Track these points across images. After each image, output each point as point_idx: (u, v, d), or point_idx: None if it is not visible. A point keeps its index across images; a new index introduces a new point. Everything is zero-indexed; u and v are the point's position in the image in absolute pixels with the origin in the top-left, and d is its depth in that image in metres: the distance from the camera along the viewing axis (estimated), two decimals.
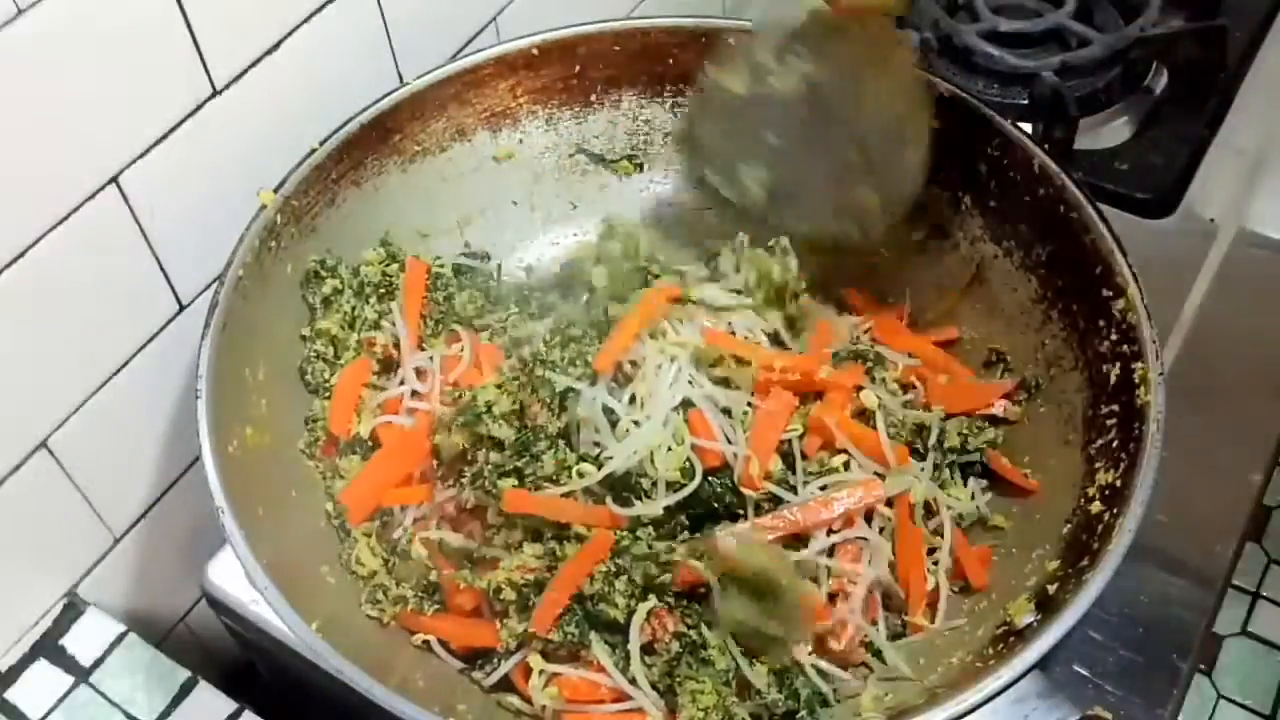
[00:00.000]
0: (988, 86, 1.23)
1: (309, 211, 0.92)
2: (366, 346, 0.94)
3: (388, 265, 0.97)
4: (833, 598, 0.81)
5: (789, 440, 0.84)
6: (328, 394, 0.92)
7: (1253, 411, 1.01)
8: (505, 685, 0.81)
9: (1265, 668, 1.87)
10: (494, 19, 1.09)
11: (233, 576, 0.87)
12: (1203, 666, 1.84)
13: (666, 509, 0.80)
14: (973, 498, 0.89)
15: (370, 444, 0.90)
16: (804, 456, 0.85)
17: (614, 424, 0.82)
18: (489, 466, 0.82)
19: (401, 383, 0.93)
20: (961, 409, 0.92)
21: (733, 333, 0.89)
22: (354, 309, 0.94)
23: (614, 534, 0.80)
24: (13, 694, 0.87)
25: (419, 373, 0.93)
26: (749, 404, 0.84)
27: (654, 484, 0.81)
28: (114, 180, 0.81)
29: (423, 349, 0.95)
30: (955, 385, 0.94)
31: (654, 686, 0.77)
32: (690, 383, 0.84)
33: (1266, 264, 1.13)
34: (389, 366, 0.94)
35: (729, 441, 0.82)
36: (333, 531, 0.87)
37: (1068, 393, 0.88)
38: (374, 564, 0.85)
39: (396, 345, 0.94)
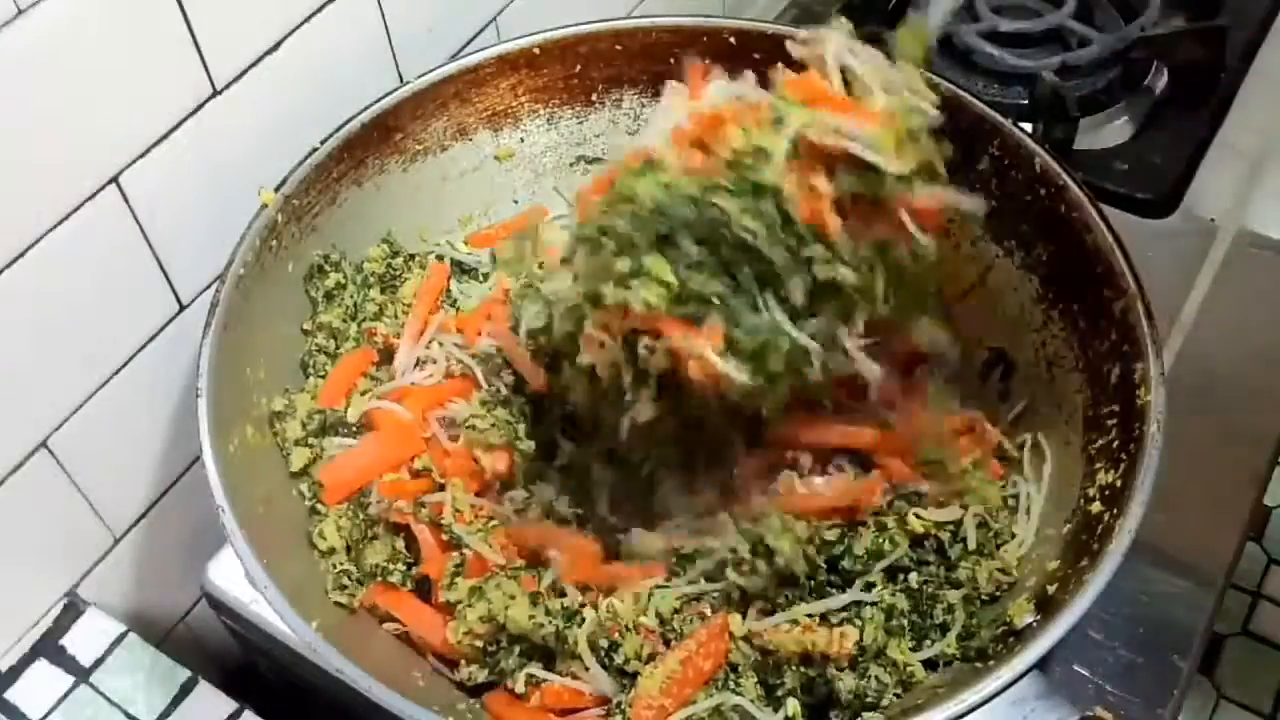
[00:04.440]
0: (988, 86, 1.23)
1: (310, 210, 0.93)
2: (367, 336, 0.94)
3: (391, 259, 0.98)
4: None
5: None
6: None
7: (1253, 411, 1.01)
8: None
9: (1265, 668, 1.87)
10: (494, 19, 1.09)
11: (233, 576, 0.87)
12: (1203, 666, 1.84)
13: None
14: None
15: (356, 428, 0.90)
16: None
17: None
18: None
19: (402, 374, 0.93)
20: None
21: None
22: (356, 303, 0.95)
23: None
24: (13, 694, 0.87)
25: (419, 364, 0.93)
26: None
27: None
28: (114, 180, 0.81)
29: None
30: None
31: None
32: None
33: (1266, 264, 1.13)
34: (389, 358, 0.95)
35: None
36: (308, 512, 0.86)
37: (1068, 393, 0.88)
38: (335, 541, 0.84)
39: (398, 335, 0.94)
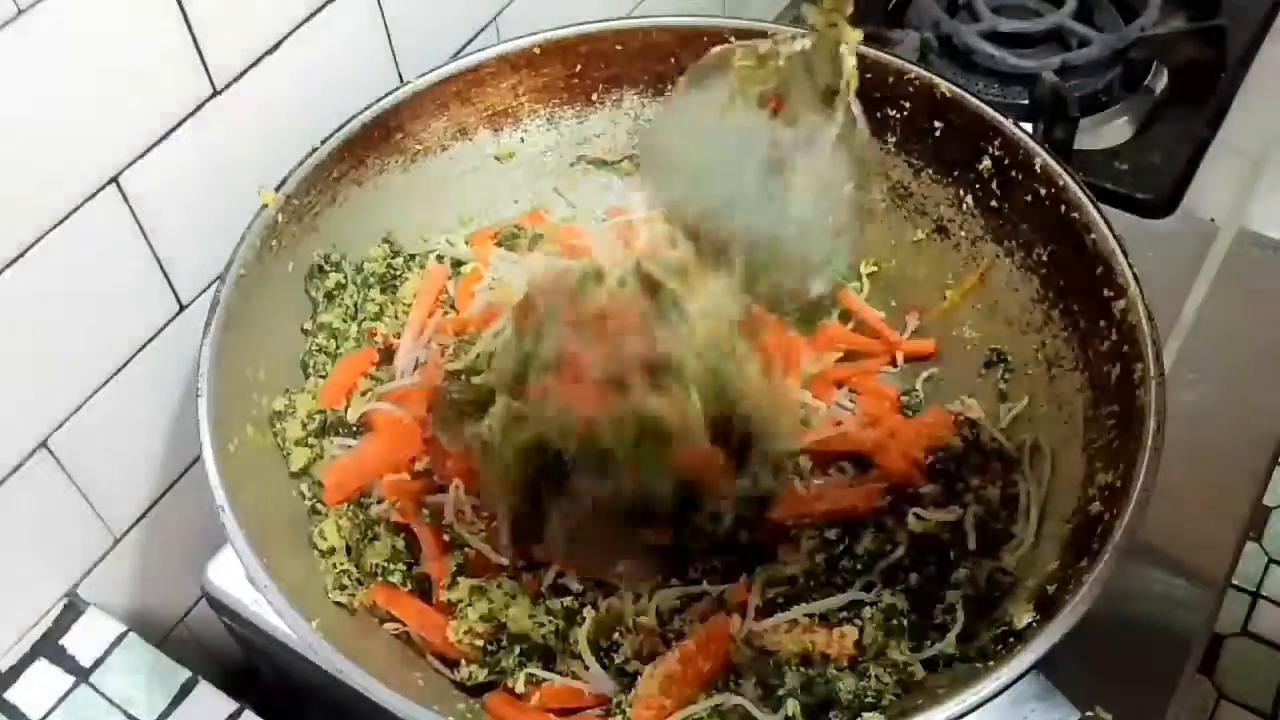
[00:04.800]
0: (988, 86, 1.23)
1: (310, 210, 0.92)
2: (368, 336, 0.94)
3: (392, 259, 0.98)
4: None
5: None
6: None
7: (1253, 412, 1.01)
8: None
9: (1265, 668, 1.87)
10: (494, 19, 1.09)
11: (233, 576, 0.87)
12: (1203, 666, 1.84)
13: None
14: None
15: (356, 428, 0.90)
16: None
17: None
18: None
19: (401, 375, 0.93)
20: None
21: None
22: (356, 303, 0.95)
23: None
24: (13, 694, 0.87)
25: (420, 365, 0.93)
26: None
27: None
28: (114, 180, 0.81)
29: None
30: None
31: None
32: None
33: (1266, 264, 1.13)
34: (390, 358, 0.95)
35: None
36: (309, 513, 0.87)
37: (1068, 393, 0.88)
38: (335, 541, 0.84)
39: (398, 335, 0.94)
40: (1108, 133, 1.22)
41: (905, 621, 0.79)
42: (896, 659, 0.78)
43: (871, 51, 0.98)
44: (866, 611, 0.80)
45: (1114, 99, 1.24)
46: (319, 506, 0.86)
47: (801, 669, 0.78)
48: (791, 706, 0.76)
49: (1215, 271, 1.10)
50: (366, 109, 0.95)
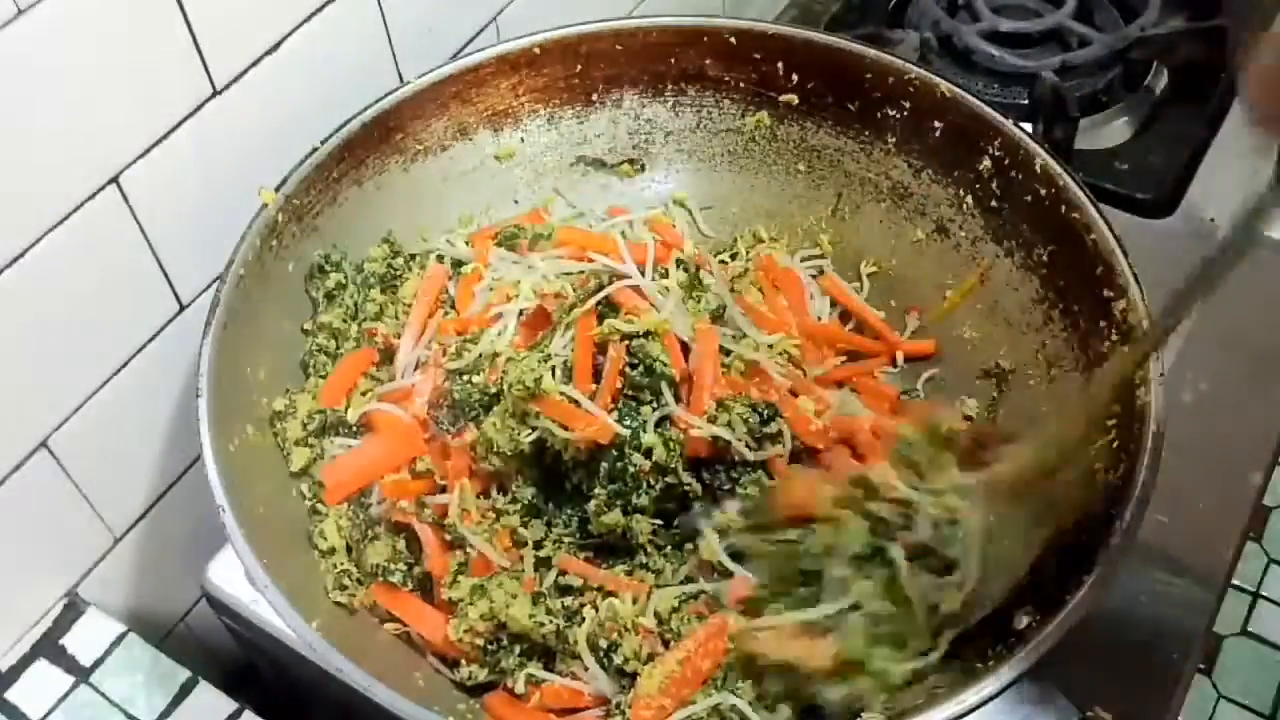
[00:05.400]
0: (988, 86, 1.23)
1: (310, 210, 0.93)
2: (368, 336, 0.94)
3: (393, 259, 0.98)
4: None
5: None
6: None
7: (1253, 411, 1.01)
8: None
9: (1265, 668, 1.87)
10: (494, 19, 1.09)
11: (233, 576, 0.87)
12: (1203, 666, 1.84)
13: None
14: None
15: (356, 428, 0.90)
16: None
17: None
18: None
19: (402, 375, 0.92)
20: None
21: None
22: (357, 303, 0.95)
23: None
24: (13, 694, 0.87)
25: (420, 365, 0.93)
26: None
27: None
28: (114, 180, 0.81)
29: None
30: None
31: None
32: None
33: (1266, 264, 1.12)
34: (390, 357, 0.94)
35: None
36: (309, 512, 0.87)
37: (1068, 393, 0.88)
38: (335, 541, 0.84)
39: (399, 336, 0.94)
40: (1108, 133, 1.22)
41: (890, 630, 0.78)
42: (879, 668, 0.76)
43: (871, 51, 0.98)
44: (852, 619, 0.78)
45: (1114, 99, 1.23)
46: (319, 506, 0.86)
47: (785, 677, 0.77)
48: (783, 712, 0.76)
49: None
50: (366, 109, 0.95)
